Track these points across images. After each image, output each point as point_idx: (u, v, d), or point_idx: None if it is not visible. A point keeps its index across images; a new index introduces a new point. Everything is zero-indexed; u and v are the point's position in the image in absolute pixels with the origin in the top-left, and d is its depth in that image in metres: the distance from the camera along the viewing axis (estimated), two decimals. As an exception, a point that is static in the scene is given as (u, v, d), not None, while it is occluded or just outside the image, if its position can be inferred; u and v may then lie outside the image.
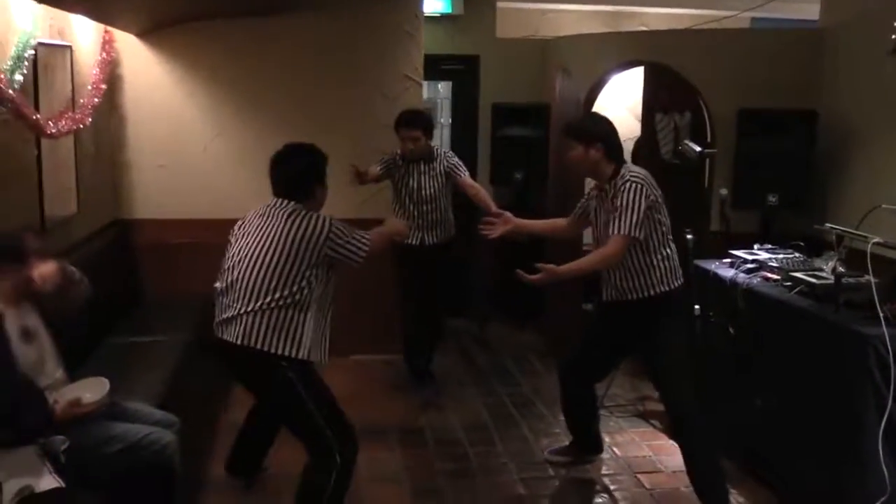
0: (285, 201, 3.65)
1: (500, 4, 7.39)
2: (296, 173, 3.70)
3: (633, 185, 3.76)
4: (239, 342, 3.50)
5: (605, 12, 8.16)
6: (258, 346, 3.48)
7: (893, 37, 5.22)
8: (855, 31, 5.85)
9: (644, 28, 8.12)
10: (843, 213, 5.75)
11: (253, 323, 3.49)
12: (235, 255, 3.62)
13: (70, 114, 4.63)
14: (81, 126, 4.80)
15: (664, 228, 3.88)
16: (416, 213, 5.37)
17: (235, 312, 3.52)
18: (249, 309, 3.49)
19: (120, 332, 4.89)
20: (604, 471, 4.48)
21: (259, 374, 3.61)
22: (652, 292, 3.86)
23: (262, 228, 3.60)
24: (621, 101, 7.65)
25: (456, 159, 5.47)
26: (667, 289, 3.87)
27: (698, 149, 5.13)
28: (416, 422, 5.09)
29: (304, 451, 3.62)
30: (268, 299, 3.48)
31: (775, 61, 6.25)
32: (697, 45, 6.51)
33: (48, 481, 2.87)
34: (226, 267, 3.65)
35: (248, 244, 3.60)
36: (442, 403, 5.39)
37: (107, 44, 5.39)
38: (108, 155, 5.69)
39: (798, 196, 5.81)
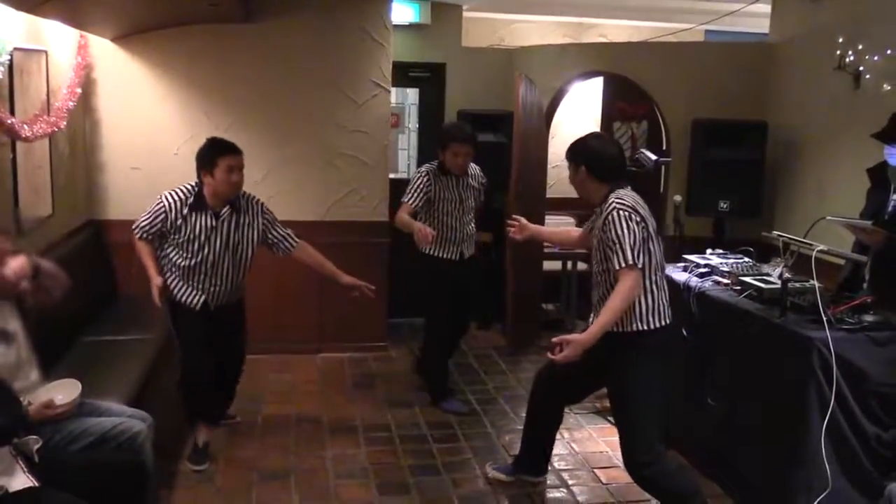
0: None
1: (466, 14, 7.41)
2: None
3: (621, 212, 3.48)
4: None
5: (568, 23, 8.21)
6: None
7: (839, 53, 5.32)
8: (803, 46, 5.95)
9: (604, 39, 8.19)
10: (791, 220, 5.86)
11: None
12: None
13: (45, 117, 4.57)
14: (56, 129, 4.74)
15: (652, 261, 3.54)
16: (456, 225, 5.19)
17: None
18: None
19: (94, 331, 4.84)
20: (562, 466, 4.52)
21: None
22: (630, 328, 3.53)
23: None
24: (587, 110, 7.70)
25: (484, 177, 5.40)
26: (645, 327, 3.53)
27: (654, 157, 5.19)
28: (381, 419, 5.09)
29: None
30: None
31: (728, 73, 6.35)
32: (654, 57, 6.59)
33: (21, 481, 2.84)
34: None
35: None
36: (408, 400, 5.39)
37: (82, 48, 5.32)
38: (82, 157, 5.63)
39: (748, 203, 5.90)
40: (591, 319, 3.73)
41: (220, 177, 4.21)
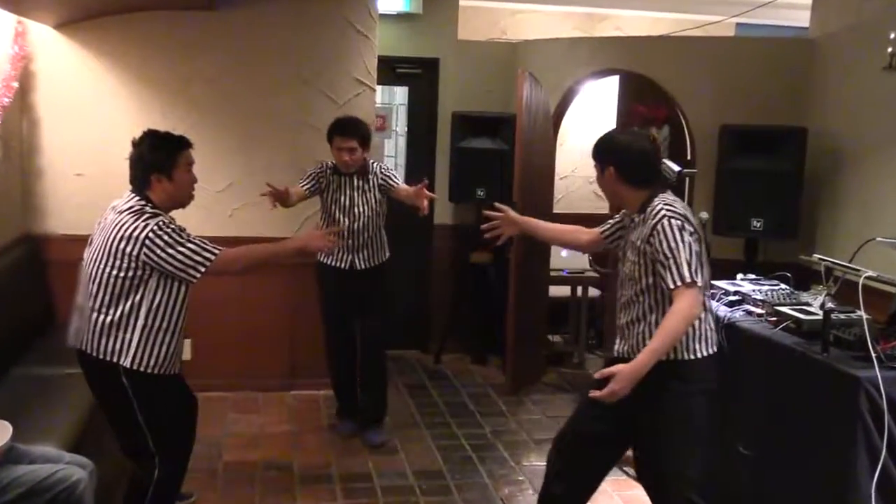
0: (130, 194, 3.66)
1: (463, 3, 7.43)
2: (133, 161, 3.67)
3: (673, 221, 3.32)
4: (74, 345, 3.64)
5: (579, 14, 8.25)
6: (87, 350, 3.58)
7: (889, 50, 5.33)
8: (848, 43, 5.97)
9: (619, 33, 8.22)
10: (834, 241, 5.85)
11: (84, 325, 3.59)
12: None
13: (-25, 115, 4.55)
14: (-12, 129, 4.73)
15: (704, 279, 3.39)
16: (346, 232, 5.24)
17: (79, 311, 3.65)
18: (88, 306, 3.57)
19: (28, 363, 4.79)
20: (570, 523, 4.47)
21: (92, 377, 3.70)
22: (672, 356, 3.34)
23: (103, 222, 3.64)
24: (600, 113, 7.71)
25: (389, 169, 5.40)
26: (690, 356, 3.40)
27: (677, 168, 5.17)
28: (362, 466, 5.05)
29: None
30: (95, 302, 3.55)
31: (762, 73, 6.36)
32: (677, 54, 6.61)
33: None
34: None
35: (94, 239, 3.66)
36: (391, 445, 5.35)
37: (19, 36, 5.31)
38: (17, 161, 5.60)
39: (785, 221, 5.89)
40: (617, 348, 3.60)
41: (182, 178, 3.67)
